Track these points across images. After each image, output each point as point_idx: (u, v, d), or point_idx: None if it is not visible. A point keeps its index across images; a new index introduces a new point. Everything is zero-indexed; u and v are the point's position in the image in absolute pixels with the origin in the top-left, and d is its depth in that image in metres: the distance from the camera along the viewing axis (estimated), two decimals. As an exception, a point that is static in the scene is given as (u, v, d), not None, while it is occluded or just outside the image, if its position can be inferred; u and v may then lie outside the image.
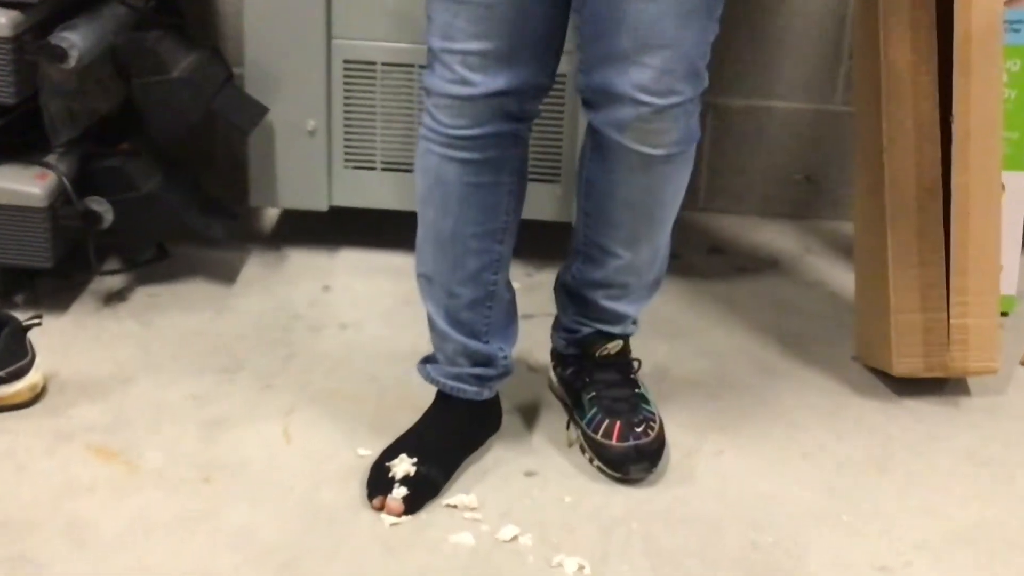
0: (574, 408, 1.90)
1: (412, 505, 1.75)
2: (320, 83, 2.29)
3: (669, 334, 2.20)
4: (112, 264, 2.34)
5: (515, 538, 1.72)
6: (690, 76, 1.65)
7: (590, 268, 1.85)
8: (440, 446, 1.82)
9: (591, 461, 1.85)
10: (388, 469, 1.78)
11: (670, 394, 2.03)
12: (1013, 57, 2.20)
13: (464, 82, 1.65)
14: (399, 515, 1.73)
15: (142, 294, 2.28)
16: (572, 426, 1.90)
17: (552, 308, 2.11)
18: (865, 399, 2.07)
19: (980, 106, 1.97)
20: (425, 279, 1.81)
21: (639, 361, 1.93)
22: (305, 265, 2.41)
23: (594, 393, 1.88)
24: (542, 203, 2.34)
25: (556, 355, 1.98)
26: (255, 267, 2.39)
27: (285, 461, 1.86)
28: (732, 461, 1.91)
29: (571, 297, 1.90)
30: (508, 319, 1.87)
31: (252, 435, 1.92)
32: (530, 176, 1.88)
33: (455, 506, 1.78)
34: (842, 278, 2.43)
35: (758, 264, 2.49)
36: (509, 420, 1.96)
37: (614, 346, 1.90)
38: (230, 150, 2.59)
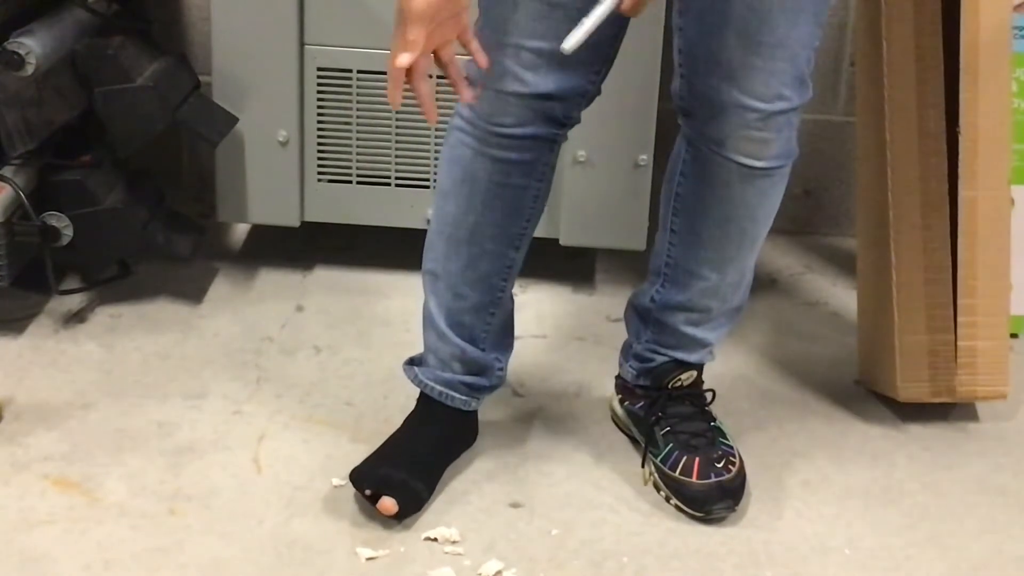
0: (647, 444, 1.90)
1: (398, 515, 1.77)
2: (292, 92, 2.30)
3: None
4: (71, 283, 2.33)
5: (499, 573, 1.73)
6: (797, 81, 1.65)
7: (673, 291, 1.85)
8: (425, 458, 1.83)
9: (668, 500, 1.85)
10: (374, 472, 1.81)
11: (662, 421, 2.00)
12: (1022, 65, 2.22)
13: (515, 78, 1.65)
14: (392, 515, 1.75)
15: (103, 314, 2.28)
16: (647, 463, 1.90)
17: (537, 330, 2.21)
18: (869, 425, 2.07)
19: (988, 117, 2.00)
20: (432, 275, 1.82)
21: (713, 392, 1.93)
22: (277, 284, 2.41)
23: (668, 428, 1.88)
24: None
25: (623, 386, 1.97)
26: (223, 286, 2.40)
27: (256, 491, 1.86)
28: (729, 491, 1.89)
29: (647, 322, 1.90)
30: (507, 330, 1.89)
31: (220, 464, 1.92)
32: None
33: (435, 539, 1.78)
34: (844, 297, 2.44)
35: (755, 283, 2.31)
36: (494, 447, 1.96)
37: (688, 376, 1.90)
38: (197, 162, 2.60)
